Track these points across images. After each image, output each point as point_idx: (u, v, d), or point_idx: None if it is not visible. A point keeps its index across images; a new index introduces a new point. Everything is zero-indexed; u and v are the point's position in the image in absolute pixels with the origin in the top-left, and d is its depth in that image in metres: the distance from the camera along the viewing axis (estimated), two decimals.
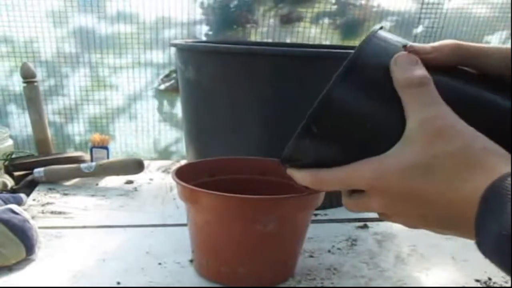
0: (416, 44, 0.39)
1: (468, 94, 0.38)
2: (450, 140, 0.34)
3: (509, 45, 0.40)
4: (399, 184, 0.35)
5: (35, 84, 0.98)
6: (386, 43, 0.40)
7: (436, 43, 0.39)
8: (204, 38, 1.11)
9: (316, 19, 1.14)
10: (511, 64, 0.38)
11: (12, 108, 1.09)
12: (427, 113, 0.35)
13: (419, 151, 0.35)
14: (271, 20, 1.12)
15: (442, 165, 0.34)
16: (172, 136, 1.18)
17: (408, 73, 0.36)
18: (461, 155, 0.33)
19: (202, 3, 1.08)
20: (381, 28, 0.42)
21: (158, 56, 1.10)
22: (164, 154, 1.17)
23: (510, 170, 0.30)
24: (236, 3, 1.10)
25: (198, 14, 1.09)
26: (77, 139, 1.14)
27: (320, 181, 0.40)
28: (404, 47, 0.39)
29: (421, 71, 0.37)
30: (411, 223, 0.39)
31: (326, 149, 0.40)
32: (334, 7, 1.14)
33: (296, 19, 1.13)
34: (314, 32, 1.15)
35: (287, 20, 1.13)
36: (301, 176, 0.41)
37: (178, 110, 1.14)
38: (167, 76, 1.11)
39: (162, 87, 1.12)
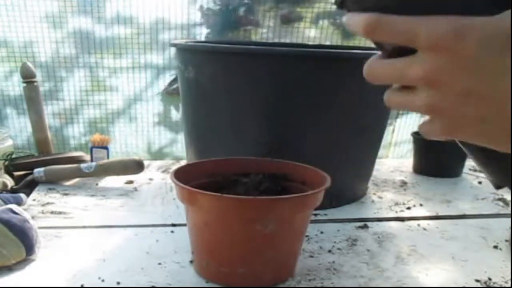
0: None
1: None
2: None
3: None
4: (475, 53, 0.29)
5: (35, 84, 0.98)
6: None
7: None
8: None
9: (316, 19, 1.14)
10: None
11: (11, 109, 1.09)
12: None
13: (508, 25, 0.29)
14: (272, 21, 1.12)
15: None
16: (172, 137, 1.18)
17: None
18: None
19: (201, 6, 1.08)
20: None
21: (158, 57, 1.10)
22: (159, 155, 1.17)
23: None
24: (236, 4, 1.10)
25: (198, 16, 1.09)
26: (77, 139, 1.14)
27: (376, 27, 0.32)
28: None
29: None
30: (457, 124, 0.32)
31: None
32: (334, 6, 1.14)
33: (296, 19, 1.14)
34: (314, 32, 1.15)
35: (287, 20, 1.13)
36: (358, 19, 0.33)
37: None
38: (174, 80, 1.11)
39: (168, 90, 1.12)
